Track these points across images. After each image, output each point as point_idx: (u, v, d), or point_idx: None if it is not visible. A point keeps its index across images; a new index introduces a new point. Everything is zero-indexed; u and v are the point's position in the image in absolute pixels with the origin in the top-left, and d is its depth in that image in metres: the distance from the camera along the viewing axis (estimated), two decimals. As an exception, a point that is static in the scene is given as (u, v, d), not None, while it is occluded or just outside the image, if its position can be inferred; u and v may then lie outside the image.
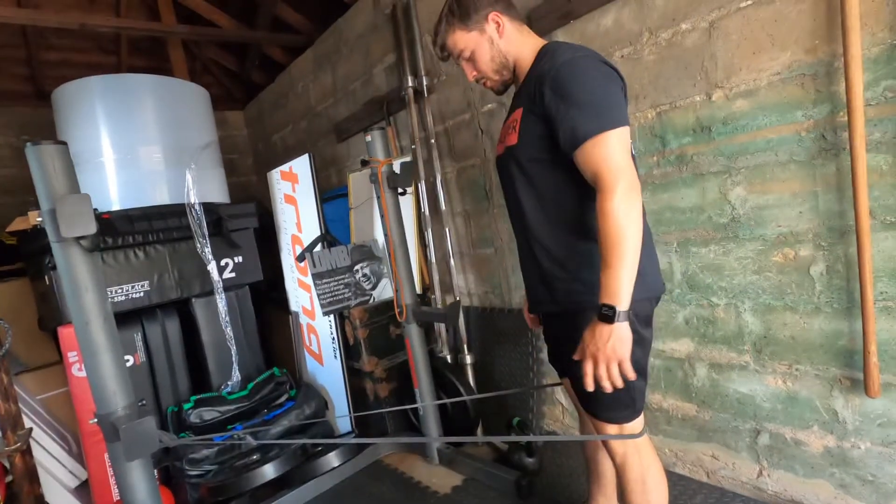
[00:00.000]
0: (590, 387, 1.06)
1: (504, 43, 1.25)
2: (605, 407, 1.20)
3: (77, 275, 1.32)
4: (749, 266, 1.55)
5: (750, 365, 1.61)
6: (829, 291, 1.41)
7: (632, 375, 1.05)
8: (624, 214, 1.01)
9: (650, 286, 1.18)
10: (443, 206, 2.48)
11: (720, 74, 1.51)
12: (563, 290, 1.20)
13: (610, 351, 1.02)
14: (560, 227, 1.19)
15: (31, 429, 1.99)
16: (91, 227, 1.27)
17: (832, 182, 1.35)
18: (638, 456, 1.21)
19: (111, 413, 1.35)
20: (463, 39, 1.25)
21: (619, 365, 1.03)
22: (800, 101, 1.37)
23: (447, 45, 1.28)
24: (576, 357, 1.09)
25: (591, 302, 1.11)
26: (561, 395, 2.24)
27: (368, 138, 2.06)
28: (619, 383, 1.05)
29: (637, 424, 1.22)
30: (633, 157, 1.18)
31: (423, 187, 2.52)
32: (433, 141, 2.46)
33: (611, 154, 1.04)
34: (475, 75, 1.31)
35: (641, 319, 1.16)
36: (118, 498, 2.04)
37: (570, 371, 1.24)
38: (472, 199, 2.45)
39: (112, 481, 2.05)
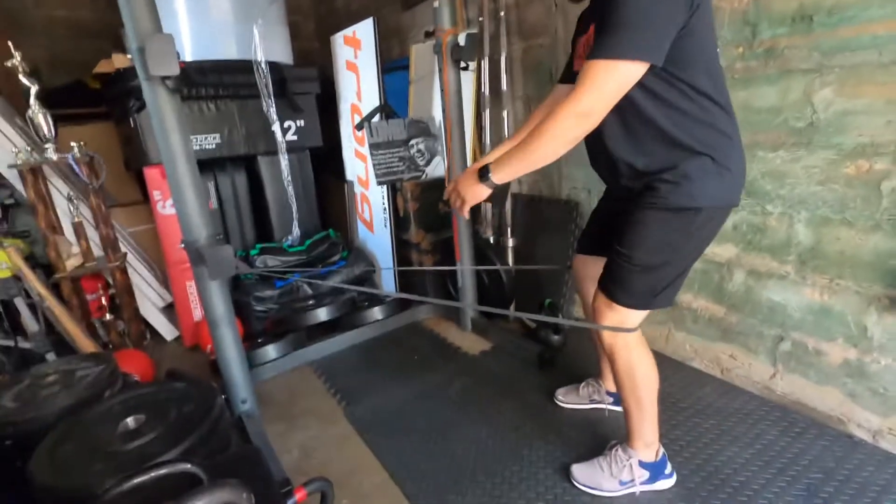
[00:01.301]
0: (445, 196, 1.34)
1: None
2: (624, 288, 1.23)
3: (164, 114, 1.44)
4: (815, 176, 1.49)
5: (790, 275, 1.62)
6: (895, 208, 1.36)
7: (465, 215, 1.30)
8: (563, 129, 1.05)
9: (726, 197, 1.17)
10: (504, 88, 2.42)
11: (840, -48, 1.32)
12: (640, 190, 1.20)
13: (464, 191, 1.25)
14: (647, 144, 1.16)
15: (126, 253, 2.31)
16: (175, 68, 1.36)
17: (936, 90, 1.24)
18: (626, 350, 1.27)
19: (196, 241, 1.55)
20: None
21: (461, 203, 1.27)
22: (927, -10, 1.21)
23: None
24: (449, 186, 1.32)
25: (665, 204, 1.14)
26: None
27: (436, 4, 1.98)
28: (460, 213, 1.29)
29: (636, 317, 1.25)
30: (717, 49, 1.12)
31: (485, 66, 2.44)
32: (502, 14, 2.32)
33: (606, 81, 1.00)
34: None
35: (702, 222, 1.16)
36: (197, 319, 2.41)
37: (604, 249, 1.31)
38: (535, 83, 2.37)
39: (192, 304, 2.40)
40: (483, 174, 1.20)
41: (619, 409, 1.69)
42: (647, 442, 1.37)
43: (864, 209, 1.42)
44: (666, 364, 1.96)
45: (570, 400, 1.77)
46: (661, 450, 1.40)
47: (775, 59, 1.51)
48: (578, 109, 1.03)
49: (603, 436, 1.59)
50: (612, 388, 1.71)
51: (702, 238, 1.21)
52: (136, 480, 0.75)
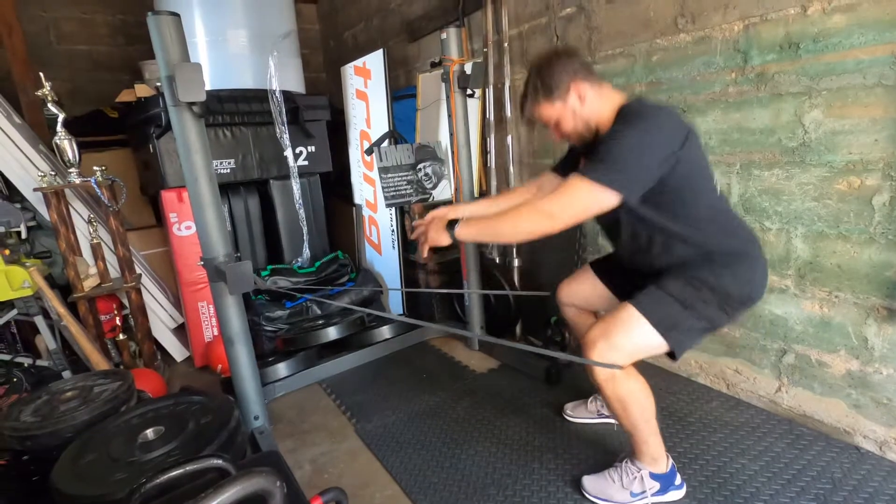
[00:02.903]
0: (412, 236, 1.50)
1: (586, 110, 1.30)
2: (653, 299, 1.27)
3: (189, 137, 1.52)
4: (810, 192, 1.56)
5: (790, 289, 1.67)
6: (887, 222, 1.42)
7: (423, 252, 1.44)
8: (529, 223, 1.22)
9: (746, 291, 1.28)
10: (508, 114, 2.52)
11: (822, -15, 1.42)
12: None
13: (431, 231, 1.41)
14: (671, 249, 1.29)
15: (140, 274, 2.37)
16: (202, 94, 1.45)
17: (918, 110, 1.32)
18: (612, 382, 1.27)
19: (214, 258, 1.61)
20: (548, 111, 1.34)
21: (426, 242, 1.42)
22: (903, 18, 1.30)
23: (534, 116, 1.38)
24: (423, 221, 1.47)
25: (692, 275, 1.26)
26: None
27: (444, 35, 2.09)
28: (420, 246, 1.44)
29: (626, 354, 1.25)
30: (707, 165, 1.29)
31: (490, 93, 2.54)
32: (506, 45, 2.45)
33: (580, 197, 1.17)
34: (560, 138, 1.40)
35: (728, 304, 1.26)
36: (209, 339, 2.44)
37: (617, 288, 1.48)
38: (537, 109, 2.47)
39: (204, 325, 2.44)
40: (451, 224, 1.35)
41: (627, 422, 1.73)
42: (654, 456, 1.39)
43: (858, 223, 1.48)
44: (672, 380, 2.00)
45: (578, 414, 1.79)
46: (671, 461, 1.42)
47: (766, 83, 1.60)
48: (547, 210, 1.20)
49: (612, 449, 1.61)
50: (620, 402, 1.73)
51: (727, 305, 1.27)
52: (170, 475, 0.78)
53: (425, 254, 1.45)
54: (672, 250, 1.29)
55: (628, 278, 1.44)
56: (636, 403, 1.30)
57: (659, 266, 1.32)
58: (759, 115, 1.63)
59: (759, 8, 1.57)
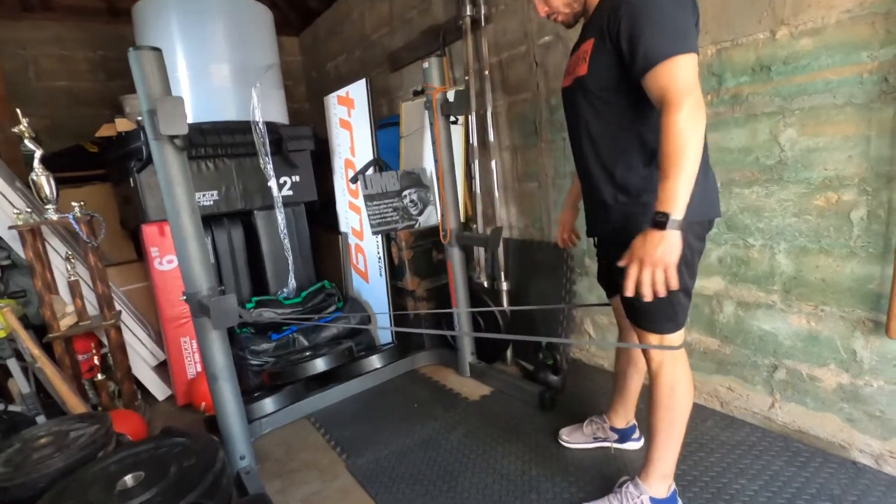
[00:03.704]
0: (629, 291, 1.09)
1: None
2: (649, 319, 1.28)
3: (171, 170, 1.50)
4: (790, 208, 1.59)
5: (776, 304, 1.68)
6: (866, 236, 1.45)
7: (675, 284, 1.07)
8: (688, 129, 1.02)
9: (701, 210, 1.20)
10: (491, 139, 2.55)
11: (787, 11, 1.48)
12: (625, 214, 1.25)
13: (657, 257, 1.05)
14: (627, 155, 1.23)
15: (120, 311, 2.30)
16: (184, 128, 1.44)
17: (887, 127, 1.36)
18: (673, 365, 1.29)
19: (198, 292, 1.57)
20: None
21: (664, 272, 1.06)
22: (867, 40, 1.35)
23: None
24: (621, 263, 1.11)
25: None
26: (589, 325, 2.38)
27: (426, 65, 2.13)
28: (662, 290, 1.07)
29: (678, 337, 1.30)
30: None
31: (472, 119, 2.58)
32: (487, 73, 2.49)
33: (680, 74, 1.04)
34: (547, 11, 1.32)
35: (690, 241, 1.20)
36: (192, 376, 2.36)
37: (620, 284, 1.33)
38: (520, 134, 2.51)
39: (187, 361, 2.37)
40: (661, 223, 1.03)
41: (623, 446, 1.70)
42: (665, 473, 1.36)
43: (838, 237, 1.50)
44: (666, 400, 1.97)
45: (574, 440, 1.76)
46: (673, 485, 1.39)
47: (741, 104, 1.64)
48: (683, 106, 1.02)
49: (610, 474, 1.57)
50: (618, 425, 1.70)
51: (691, 253, 1.23)
52: (151, 527, 0.74)
53: (676, 282, 1.08)
54: (626, 160, 1.22)
55: (610, 270, 1.40)
56: (685, 395, 1.31)
57: (610, 197, 1.26)
58: (736, 135, 1.68)
59: (730, 33, 1.63)
